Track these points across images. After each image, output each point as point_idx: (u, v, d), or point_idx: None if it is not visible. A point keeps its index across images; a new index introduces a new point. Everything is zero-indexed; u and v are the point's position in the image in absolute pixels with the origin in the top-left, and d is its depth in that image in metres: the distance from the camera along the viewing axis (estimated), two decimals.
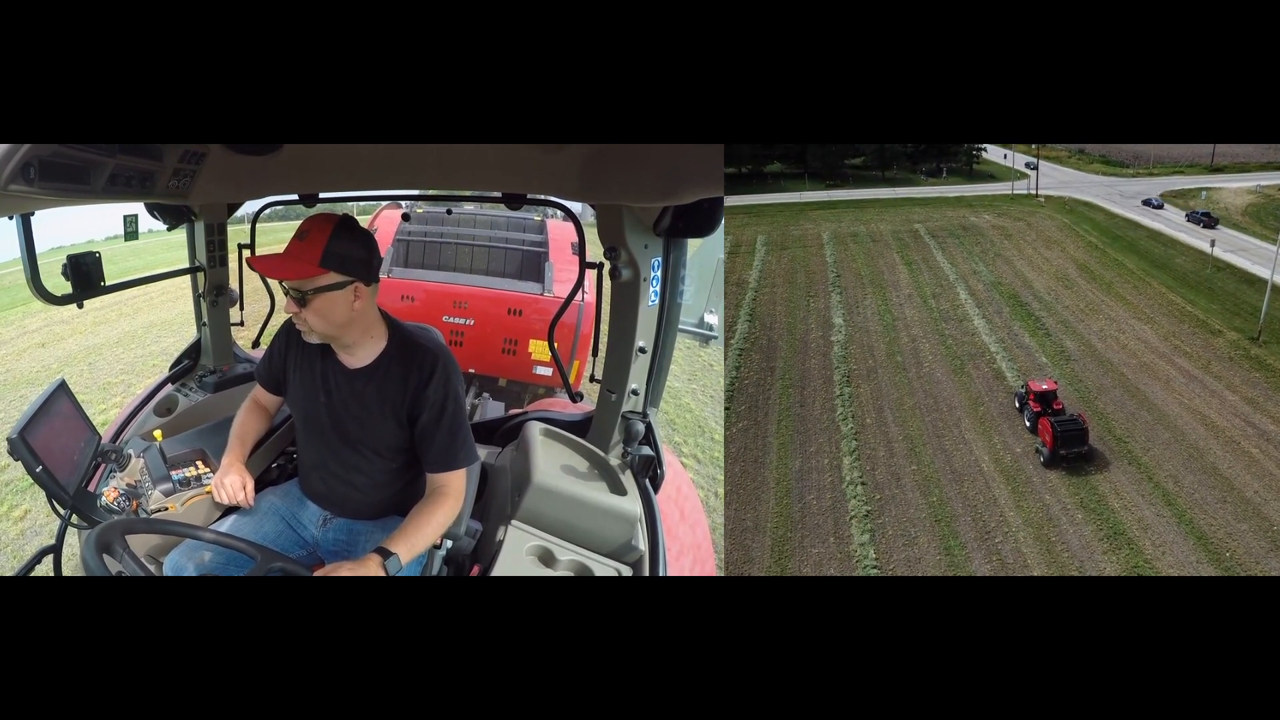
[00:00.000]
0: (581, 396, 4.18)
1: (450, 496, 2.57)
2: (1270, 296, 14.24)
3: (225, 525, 2.77)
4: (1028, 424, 11.62)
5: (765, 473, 11.12)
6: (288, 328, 2.72)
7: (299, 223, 2.46)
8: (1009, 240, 21.89)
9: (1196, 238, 20.04)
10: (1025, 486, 10.37)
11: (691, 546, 3.68)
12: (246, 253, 4.42)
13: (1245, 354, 13.53)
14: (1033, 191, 27.39)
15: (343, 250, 2.40)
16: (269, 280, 4.08)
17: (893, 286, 18.41)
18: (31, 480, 2.63)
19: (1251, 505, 9.55)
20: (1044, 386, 11.74)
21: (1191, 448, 10.93)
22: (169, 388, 4.19)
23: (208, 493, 2.85)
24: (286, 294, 2.45)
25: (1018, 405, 12.19)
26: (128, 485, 2.93)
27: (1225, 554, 8.68)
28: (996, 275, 18.84)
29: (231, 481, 2.65)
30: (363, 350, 2.57)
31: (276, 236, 2.91)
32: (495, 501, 3.45)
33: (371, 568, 2.24)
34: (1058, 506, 9.91)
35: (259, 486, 2.84)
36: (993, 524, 9.66)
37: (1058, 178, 29.70)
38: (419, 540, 2.44)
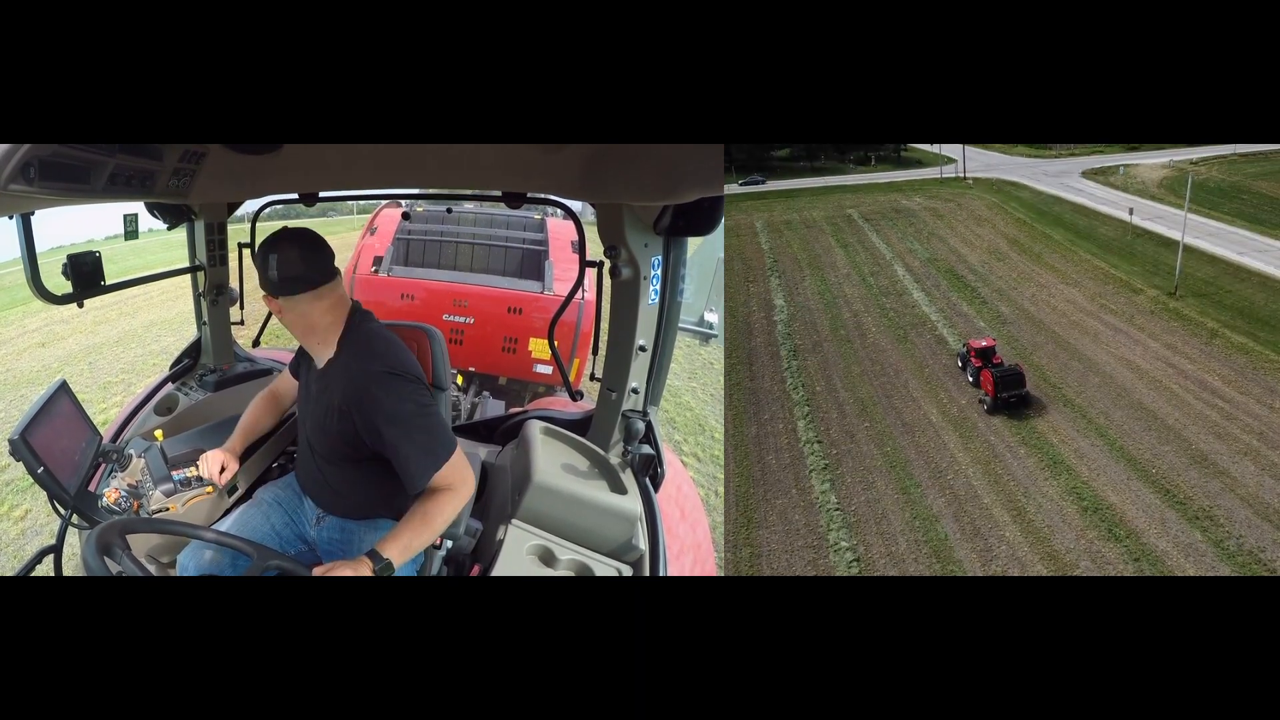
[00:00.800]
0: (582, 395, 4.18)
1: (451, 490, 2.45)
2: (1183, 256, 15.58)
3: (230, 520, 2.77)
4: (970, 379, 12.37)
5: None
6: None
7: (298, 223, 2.47)
8: (941, 220, 22.63)
9: (1117, 209, 21.27)
10: (972, 431, 11.23)
11: (692, 545, 3.68)
12: (247, 251, 4.42)
13: (1164, 307, 14.68)
14: (961, 175, 28.01)
15: (284, 273, 2.41)
16: None
17: (830, 268, 19.05)
18: (32, 480, 2.63)
19: (1173, 430, 10.68)
20: (983, 343, 12.46)
21: (1120, 388, 11.94)
22: (169, 387, 4.19)
23: (209, 493, 2.86)
24: None
25: (960, 364, 12.91)
26: (129, 485, 2.93)
27: (1152, 470, 9.81)
28: (931, 252, 19.56)
29: (213, 457, 2.74)
30: (321, 352, 2.58)
31: None
32: (495, 501, 3.45)
33: (364, 570, 2.23)
34: (1002, 445, 10.82)
35: (260, 484, 2.85)
36: (944, 465, 10.49)
37: (984, 161, 30.36)
38: (415, 541, 2.38)
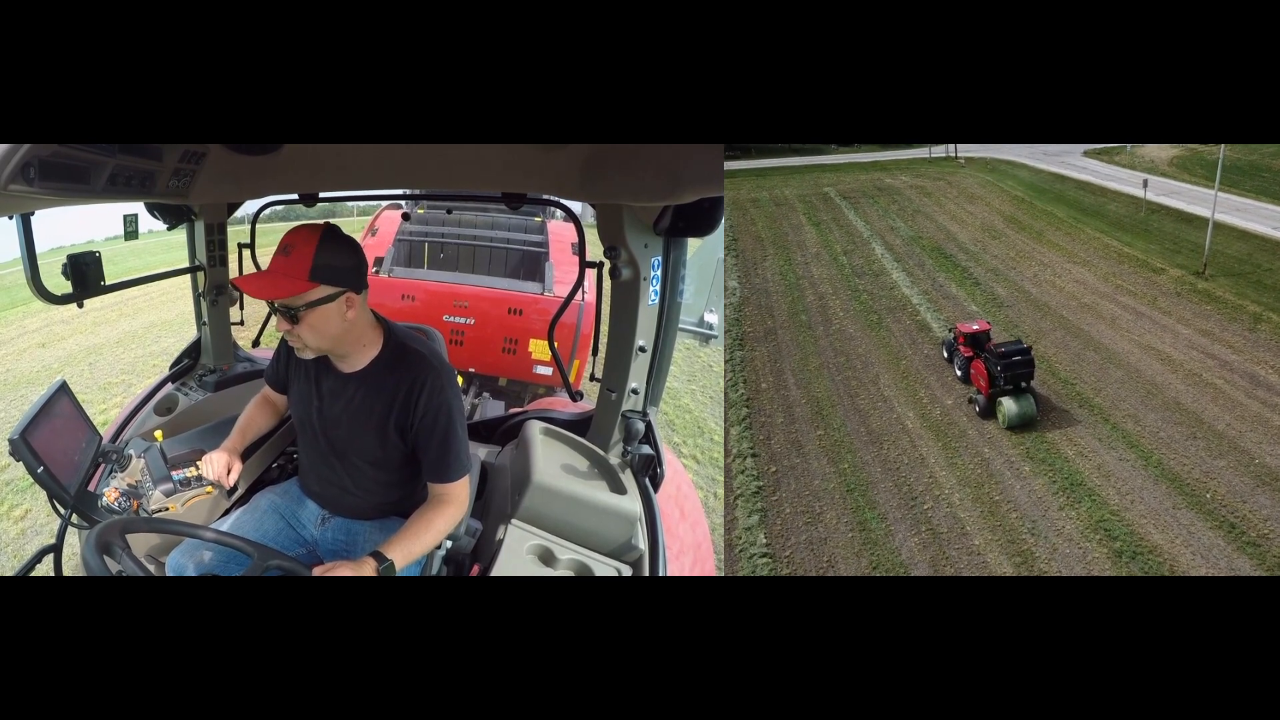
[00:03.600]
0: (581, 395, 4.18)
1: (450, 504, 2.55)
2: (1212, 232, 13.50)
3: (226, 524, 2.78)
4: (959, 373, 10.11)
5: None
6: None
7: (299, 224, 2.46)
8: (929, 198, 20.10)
9: (1126, 185, 19.04)
10: (959, 441, 8.86)
11: (691, 546, 3.69)
12: (246, 251, 4.43)
13: (1192, 288, 12.51)
14: (952, 154, 25.94)
15: (331, 260, 2.35)
16: None
17: (797, 247, 16.68)
18: (32, 480, 2.63)
19: (1226, 439, 8.37)
20: (975, 328, 10.09)
21: (1149, 384, 9.66)
22: (169, 387, 4.19)
23: (209, 493, 2.86)
24: (276, 312, 2.41)
25: (946, 354, 10.68)
26: (128, 485, 2.93)
27: (1205, 494, 7.56)
28: (916, 231, 17.28)
29: (217, 458, 2.68)
30: (356, 358, 2.56)
31: (276, 237, 2.91)
32: (495, 501, 3.46)
33: (367, 570, 2.24)
34: (1000, 460, 8.41)
35: (258, 486, 2.84)
36: (920, 488, 8.12)
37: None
38: (416, 546, 2.43)
